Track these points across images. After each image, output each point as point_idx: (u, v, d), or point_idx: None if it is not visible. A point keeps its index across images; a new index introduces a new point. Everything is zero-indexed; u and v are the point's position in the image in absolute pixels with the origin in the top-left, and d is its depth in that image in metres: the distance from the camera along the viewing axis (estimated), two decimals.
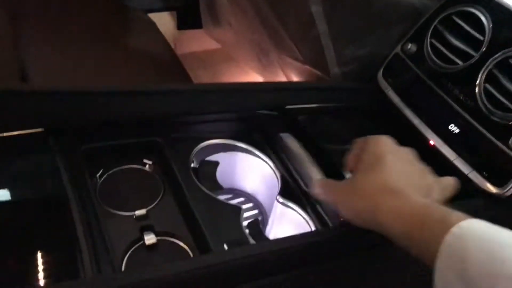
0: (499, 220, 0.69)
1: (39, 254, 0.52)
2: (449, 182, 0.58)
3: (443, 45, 0.73)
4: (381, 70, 0.82)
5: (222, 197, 0.73)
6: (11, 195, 0.55)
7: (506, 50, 0.66)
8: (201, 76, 1.61)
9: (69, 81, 0.87)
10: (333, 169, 0.66)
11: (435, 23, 0.75)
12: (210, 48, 1.64)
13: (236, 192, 0.78)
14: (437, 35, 0.74)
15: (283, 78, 0.99)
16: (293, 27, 0.80)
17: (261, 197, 0.77)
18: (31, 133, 0.57)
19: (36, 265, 0.51)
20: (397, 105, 0.78)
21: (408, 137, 0.75)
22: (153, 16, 1.48)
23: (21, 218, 0.54)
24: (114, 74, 0.95)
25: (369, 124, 0.82)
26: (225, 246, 0.56)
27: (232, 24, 1.09)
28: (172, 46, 1.66)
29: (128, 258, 0.55)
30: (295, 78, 0.92)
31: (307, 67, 0.84)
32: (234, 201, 0.76)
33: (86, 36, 1.03)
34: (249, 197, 0.78)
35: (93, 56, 0.97)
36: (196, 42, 1.67)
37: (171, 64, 1.11)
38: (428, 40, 0.75)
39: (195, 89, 0.67)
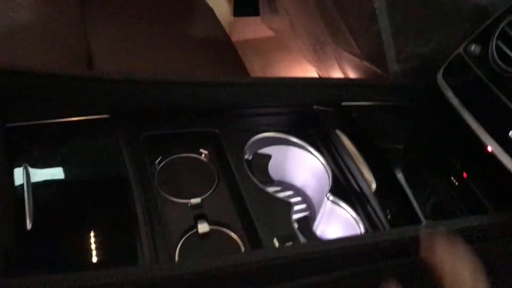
0: None
1: (97, 233, 0.55)
2: None
3: (510, 48, 0.71)
4: (442, 70, 0.80)
5: (271, 189, 0.74)
6: (76, 176, 0.57)
7: None
8: (254, 64, 1.62)
9: (132, 65, 0.90)
10: (384, 171, 0.66)
11: (503, 24, 0.72)
12: (264, 36, 1.64)
13: (286, 185, 0.79)
14: (504, 37, 0.72)
15: (338, 72, 0.99)
16: (353, 21, 0.79)
17: (310, 192, 0.78)
18: (96, 119, 0.59)
19: (93, 244, 0.54)
20: (455, 108, 0.76)
21: (464, 141, 0.74)
22: (210, 2, 1.51)
23: (83, 197, 0.56)
24: (174, 59, 0.98)
25: (425, 124, 0.81)
26: (275, 241, 0.57)
27: (290, 13, 1.08)
28: (227, 32, 1.69)
29: (181, 245, 0.58)
30: (351, 73, 0.91)
31: (365, 63, 0.83)
32: (283, 194, 0.77)
33: (147, 22, 1.06)
34: (298, 191, 0.78)
35: (154, 41, 1.00)
36: (251, 30, 1.68)
37: (227, 51, 1.13)
38: (494, 42, 0.72)
39: (252, 82, 0.68)
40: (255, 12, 1.58)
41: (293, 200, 0.77)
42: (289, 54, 1.54)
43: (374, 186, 0.65)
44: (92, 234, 0.53)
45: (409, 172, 0.72)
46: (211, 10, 1.25)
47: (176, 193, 0.62)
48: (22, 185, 0.52)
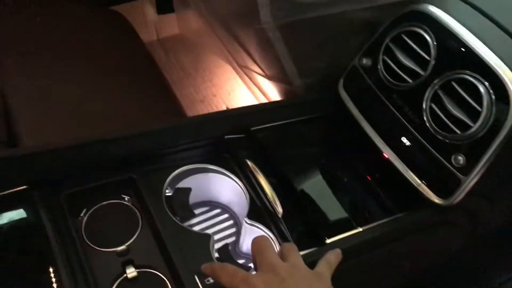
0: (446, 224, 0.77)
1: None
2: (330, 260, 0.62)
3: (395, 63, 0.78)
4: (341, 81, 0.87)
5: (199, 210, 0.81)
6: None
7: (449, 73, 0.71)
8: (184, 60, 1.65)
9: (52, 107, 0.92)
10: (290, 194, 0.73)
11: (386, 40, 0.78)
12: (192, 30, 1.66)
13: (213, 204, 0.85)
14: (389, 52, 0.78)
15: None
16: (252, 48, 0.84)
17: (236, 208, 0.84)
18: (15, 191, 0.64)
19: None
20: (355, 117, 0.83)
21: (365, 148, 0.82)
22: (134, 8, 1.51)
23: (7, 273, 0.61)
24: (94, 89, 1.00)
25: (331, 132, 0.88)
26: (196, 278, 0.64)
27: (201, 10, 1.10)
28: (154, 30, 1.70)
29: None
30: (262, 86, 0.96)
31: (271, 81, 0.89)
32: (211, 213, 0.84)
33: (64, 51, 1.06)
34: (225, 208, 0.85)
35: (72, 74, 1.01)
36: (177, 26, 1.69)
37: (147, 69, 1.15)
38: (381, 57, 0.79)
39: (166, 128, 0.73)
40: (171, 9, 1.59)
41: (222, 217, 0.84)
42: (214, 51, 1.58)
43: (280, 210, 0.72)
44: None
45: (319, 180, 0.80)
46: (129, 26, 1.26)
47: (103, 242, 0.67)
48: None
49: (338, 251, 0.63)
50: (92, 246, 0.67)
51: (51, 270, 0.61)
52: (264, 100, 1.08)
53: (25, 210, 0.65)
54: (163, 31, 1.71)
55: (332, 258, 0.62)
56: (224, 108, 1.53)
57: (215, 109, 1.53)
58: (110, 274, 0.64)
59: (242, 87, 1.57)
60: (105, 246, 0.67)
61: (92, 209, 0.71)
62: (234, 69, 1.13)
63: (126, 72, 1.08)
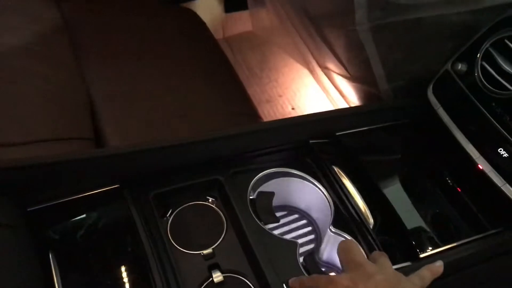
0: None
1: None
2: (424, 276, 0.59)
3: (494, 69, 0.73)
4: (431, 86, 0.83)
5: (277, 214, 0.79)
6: (95, 248, 0.63)
7: None
8: (250, 60, 1.64)
9: (134, 106, 0.93)
10: (382, 205, 0.70)
11: (486, 45, 0.74)
12: (262, 28, 1.65)
13: (291, 209, 0.83)
14: (488, 57, 0.74)
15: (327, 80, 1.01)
16: (339, 49, 0.82)
17: (314, 214, 0.82)
18: (108, 190, 0.64)
19: None
20: (446, 123, 0.79)
21: (456, 158, 0.78)
22: (201, 8, 1.51)
23: (103, 266, 0.62)
24: (174, 89, 1.00)
25: (419, 140, 0.84)
26: (285, 286, 0.62)
27: (278, 8, 1.08)
28: (221, 28, 1.70)
29: None
30: (342, 87, 0.94)
31: (355, 84, 0.86)
32: (289, 218, 0.82)
33: (140, 54, 1.07)
34: (303, 214, 0.83)
35: (152, 75, 1.03)
36: (244, 24, 1.68)
37: (222, 68, 1.14)
38: (479, 62, 0.75)
39: (250, 130, 0.71)
40: (245, 6, 1.59)
41: (300, 223, 0.82)
42: (285, 49, 1.56)
43: (372, 221, 0.69)
44: None
45: (409, 190, 0.76)
46: (203, 24, 1.26)
47: (188, 244, 0.67)
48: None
49: (439, 263, 0.60)
50: (179, 247, 0.67)
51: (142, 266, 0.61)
52: (340, 102, 1.06)
53: (117, 208, 0.65)
54: (229, 29, 1.71)
55: (427, 274, 0.59)
56: (290, 108, 1.51)
57: (280, 110, 1.51)
58: (196, 277, 0.64)
59: (308, 88, 1.55)
60: (191, 248, 0.67)
61: (178, 209, 0.71)
62: (309, 69, 1.10)
63: (203, 71, 1.09)
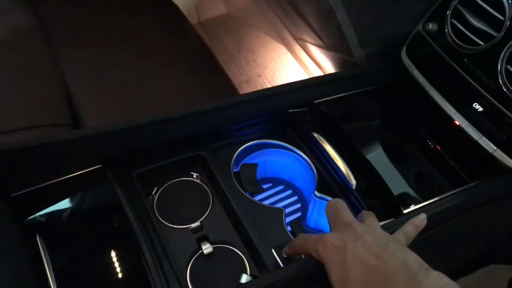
0: None
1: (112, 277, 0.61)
2: (408, 232, 0.60)
3: (464, 26, 0.74)
4: (404, 48, 0.84)
5: (263, 186, 0.80)
6: (81, 229, 0.63)
7: None
8: (227, 42, 1.63)
9: (111, 90, 0.93)
10: (362, 165, 0.71)
11: (455, 3, 0.75)
12: (236, 9, 1.64)
13: (277, 180, 0.84)
14: (457, 15, 0.75)
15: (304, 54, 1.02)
16: (312, 19, 0.82)
17: (299, 183, 0.83)
18: (90, 171, 0.64)
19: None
20: (422, 84, 0.81)
21: (434, 116, 0.79)
22: None
23: (91, 246, 0.62)
24: (151, 74, 1.00)
25: (396, 102, 0.85)
26: (273, 251, 0.63)
27: None
28: (195, 13, 1.69)
29: (190, 267, 0.64)
30: (318, 59, 0.94)
31: (330, 52, 0.87)
32: (274, 189, 0.83)
33: (117, 38, 1.07)
34: (288, 185, 0.84)
35: (128, 60, 1.02)
36: (218, 8, 1.68)
37: (198, 51, 1.14)
38: (449, 20, 0.76)
39: (230, 103, 0.72)
40: None
41: (285, 193, 0.83)
42: (261, 28, 1.56)
43: (354, 182, 0.70)
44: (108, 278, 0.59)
45: (389, 151, 0.78)
46: (175, 8, 1.26)
47: (176, 220, 0.68)
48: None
49: (423, 216, 0.61)
50: (166, 223, 0.67)
51: (131, 246, 0.61)
52: (318, 74, 1.06)
53: (101, 188, 0.65)
54: (203, 13, 1.70)
55: (410, 229, 0.60)
56: None
57: None
58: (186, 250, 0.65)
59: (287, 66, 1.55)
60: (179, 223, 0.67)
61: (163, 187, 0.71)
62: (286, 44, 1.11)
63: (179, 55, 1.08)
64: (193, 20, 1.69)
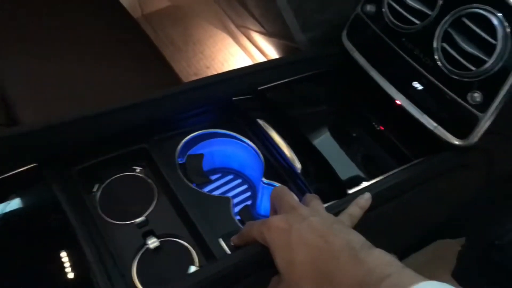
0: (463, 168, 0.76)
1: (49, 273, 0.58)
2: (353, 213, 0.61)
3: (400, 5, 0.75)
4: (345, 31, 0.84)
5: (212, 177, 0.79)
6: (19, 232, 0.60)
7: (457, 9, 0.68)
8: (172, 35, 1.61)
9: (49, 88, 0.89)
10: (308, 150, 0.71)
11: None
12: (178, 2, 1.62)
13: (226, 170, 0.83)
14: None
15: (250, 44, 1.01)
16: (252, 6, 0.81)
17: (248, 172, 0.83)
18: (25, 170, 0.61)
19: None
20: (363, 66, 0.81)
21: (376, 97, 0.80)
22: None
23: (31, 250, 0.59)
24: (91, 70, 0.97)
25: (340, 86, 0.86)
26: (221, 241, 0.62)
27: None
28: (138, 6, 1.65)
29: (137, 264, 0.62)
30: (262, 46, 0.94)
31: (273, 39, 0.86)
32: (223, 179, 0.82)
33: (55, 35, 1.02)
34: (237, 174, 0.83)
35: (65, 55, 0.98)
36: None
37: (142, 45, 1.11)
38: (385, 1, 0.77)
39: (172, 93, 0.70)
40: None
41: (235, 182, 0.82)
42: (206, 19, 1.54)
43: (299, 166, 0.70)
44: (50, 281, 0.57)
45: (334, 134, 0.78)
46: (116, 2, 1.22)
47: (120, 216, 0.65)
48: None
49: (367, 195, 0.62)
50: (110, 220, 0.65)
51: (73, 247, 0.59)
52: None
53: (37, 188, 0.62)
54: (147, 6, 1.66)
55: (355, 210, 0.61)
56: None
57: None
58: (132, 246, 0.63)
59: (235, 57, 1.54)
60: (123, 219, 0.65)
61: (105, 183, 0.69)
62: (230, 34, 1.09)
63: (122, 50, 1.05)
64: (137, 13, 1.65)
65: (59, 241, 0.60)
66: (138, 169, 0.71)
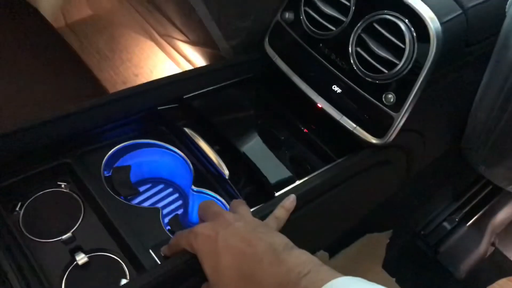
0: (383, 164, 0.80)
1: None
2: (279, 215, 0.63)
3: (317, 13, 0.78)
4: (267, 39, 0.86)
5: (141, 188, 0.78)
6: None
7: (369, 15, 0.72)
8: (98, 43, 1.57)
9: None
10: (234, 155, 0.73)
11: None
12: (103, 9, 1.58)
13: (156, 180, 0.83)
14: (310, 3, 0.79)
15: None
16: (173, 15, 0.82)
17: (179, 181, 0.83)
18: None
19: None
20: (285, 72, 0.84)
21: (299, 102, 0.83)
22: None
23: None
24: (10, 84, 0.93)
25: (264, 92, 0.88)
26: (151, 252, 0.62)
27: None
28: (61, 15, 1.60)
29: (65, 281, 0.61)
30: (187, 53, 0.94)
31: (198, 47, 0.87)
32: (154, 189, 0.82)
33: None
34: (168, 183, 0.83)
35: None
36: (85, 7, 1.60)
37: (64, 56, 1.08)
38: (302, 8, 0.80)
39: (95, 105, 0.69)
40: None
41: (166, 192, 0.82)
42: (131, 28, 1.52)
43: (227, 172, 0.71)
44: None
45: (260, 139, 0.80)
46: (35, 12, 1.18)
47: (45, 234, 0.64)
48: None
49: (292, 197, 0.64)
50: (34, 239, 0.63)
51: None
52: None
53: None
54: (70, 15, 1.61)
55: (281, 212, 0.63)
56: None
57: None
58: (59, 264, 0.61)
59: (164, 64, 1.53)
60: (49, 237, 0.64)
61: (28, 201, 0.67)
62: (156, 42, 1.09)
63: (38, 59, 1.02)
64: (60, 23, 1.59)
65: None
66: (63, 184, 0.69)
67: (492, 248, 1.25)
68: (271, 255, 0.50)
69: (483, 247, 1.24)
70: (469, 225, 1.25)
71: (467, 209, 1.26)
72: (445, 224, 1.24)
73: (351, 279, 0.44)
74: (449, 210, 1.25)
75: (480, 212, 1.26)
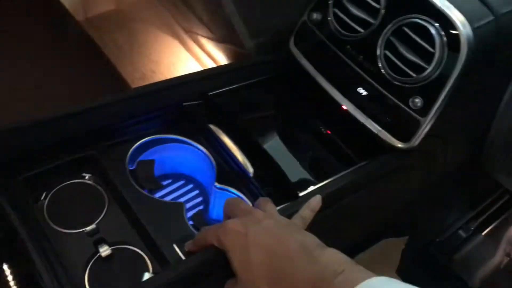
0: (406, 169, 0.80)
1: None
2: (305, 215, 0.63)
3: (345, 14, 0.78)
4: (292, 38, 0.86)
5: (163, 183, 0.78)
6: None
7: (398, 19, 0.72)
8: (117, 38, 1.57)
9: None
10: (259, 154, 0.72)
11: None
12: (126, 3, 1.59)
13: (177, 176, 0.83)
14: (339, 4, 0.79)
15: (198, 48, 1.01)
16: (200, 11, 0.82)
17: (200, 177, 0.83)
18: None
19: None
20: (310, 73, 0.84)
21: (323, 103, 0.82)
22: None
23: None
24: (31, 74, 0.93)
25: (288, 91, 0.88)
26: (175, 246, 0.62)
27: None
28: (81, 9, 1.61)
29: (88, 273, 0.61)
30: (210, 51, 0.94)
31: (222, 45, 0.87)
32: (174, 185, 0.82)
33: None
34: (189, 179, 0.83)
35: (5, 62, 0.94)
36: (106, 2, 1.61)
37: (86, 49, 1.09)
38: (331, 10, 0.79)
39: (121, 98, 0.69)
40: None
41: (186, 188, 0.82)
42: (153, 23, 1.52)
43: (251, 170, 0.71)
44: None
45: (284, 139, 0.80)
46: (58, 4, 1.19)
47: (69, 225, 0.64)
48: None
49: (318, 197, 0.64)
50: (59, 229, 0.63)
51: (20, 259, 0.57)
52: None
53: None
54: (91, 9, 1.62)
55: (307, 212, 0.63)
56: None
57: None
58: (83, 255, 0.62)
59: (182, 62, 1.53)
60: (73, 227, 0.64)
61: (53, 191, 0.67)
62: (178, 38, 1.09)
63: (65, 56, 1.02)
64: (80, 16, 1.60)
65: (7, 252, 0.58)
66: (87, 176, 0.69)
67: (507, 259, 1.24)
68: (303, 253, 0.49)
69: (497, 257, 1.23)
70: (484, 234, 1.24)
71: (483, 218, 1.25)
72: (461, 232, 1.23)
73: (386, 280, 0.44)
74: (465, 219, 1.25)
75: (496, 222, 1.25)
